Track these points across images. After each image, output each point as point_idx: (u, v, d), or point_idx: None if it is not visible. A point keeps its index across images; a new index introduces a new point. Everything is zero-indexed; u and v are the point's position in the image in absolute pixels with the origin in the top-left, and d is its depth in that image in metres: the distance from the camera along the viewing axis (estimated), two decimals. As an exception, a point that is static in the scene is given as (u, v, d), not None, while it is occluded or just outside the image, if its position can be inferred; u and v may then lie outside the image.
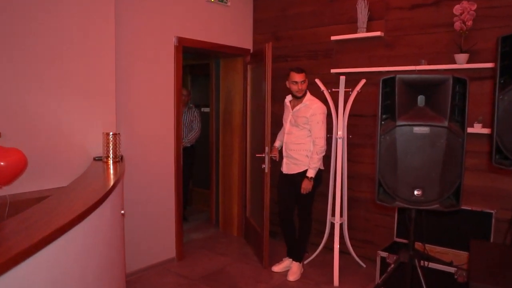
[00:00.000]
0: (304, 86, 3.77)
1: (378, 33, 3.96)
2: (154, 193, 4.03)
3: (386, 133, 2.35)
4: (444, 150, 2.26)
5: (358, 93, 3.94)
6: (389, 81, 2.33)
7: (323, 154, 3.77)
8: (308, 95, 3.84)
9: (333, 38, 4.27)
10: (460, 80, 2.26)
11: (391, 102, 2.34)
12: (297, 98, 3.83)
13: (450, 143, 2.26)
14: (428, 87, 2.33)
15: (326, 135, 3.79)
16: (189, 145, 5.40)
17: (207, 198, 6.01)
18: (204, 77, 6.33)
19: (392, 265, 2.74)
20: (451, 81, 2.24)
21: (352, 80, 4.03)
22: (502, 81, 2.24)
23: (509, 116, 2.21)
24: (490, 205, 3.46)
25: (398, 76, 2.31)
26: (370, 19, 4.05)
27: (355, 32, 4.12)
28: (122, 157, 3.35)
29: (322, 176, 3.90)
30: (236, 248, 4.70)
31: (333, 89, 3.97)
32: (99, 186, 2.39)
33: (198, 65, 6.24)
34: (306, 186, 3.76)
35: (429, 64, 3.70)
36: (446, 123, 2.25)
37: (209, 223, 5.70)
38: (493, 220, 3.33)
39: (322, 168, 3.84)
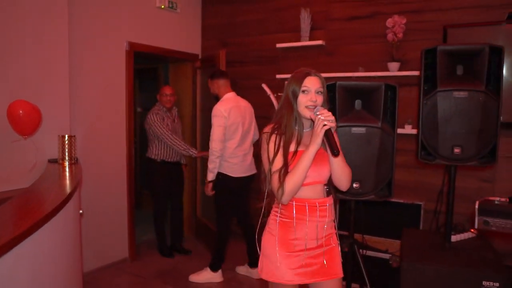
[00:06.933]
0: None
1: (320, 42, 4.29)
2: (107, 195, 4.09)
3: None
4: (378, 148, 2.57)
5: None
6: (330, 87, 2.62)
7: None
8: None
9: (278, 45, 4.56)
10: (391, 87, 2.59)
11: (333, 106, 2.63)
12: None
13: (383, 142, 2.58)
14: (364, 92, 2.63)
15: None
16: (179, 161, 4.61)
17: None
18: (151, 81, 6.38)
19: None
20: (383, 88, 2.56)
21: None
22: (425, 88, 2.60)
23: (431, 118, 2.57)
24: (419, 197, 3.86)
25: (338, 82, 2.60)
26: (312, 28, 4.38)
27: (299, 41, 4.43)
28: (77, 159, 3.42)
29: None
30: (189, 247, 4.81)
31: (279, 94, 4.23)
32: (61, 187, 2.48)
33: (145, 69, 6.29)
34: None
35: (365, 71, 4.06)
36: (379, 124, 2.57)
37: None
38: (422, 211, 3.73)
39: None
